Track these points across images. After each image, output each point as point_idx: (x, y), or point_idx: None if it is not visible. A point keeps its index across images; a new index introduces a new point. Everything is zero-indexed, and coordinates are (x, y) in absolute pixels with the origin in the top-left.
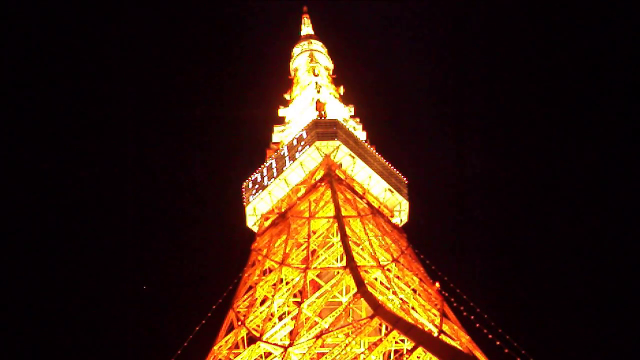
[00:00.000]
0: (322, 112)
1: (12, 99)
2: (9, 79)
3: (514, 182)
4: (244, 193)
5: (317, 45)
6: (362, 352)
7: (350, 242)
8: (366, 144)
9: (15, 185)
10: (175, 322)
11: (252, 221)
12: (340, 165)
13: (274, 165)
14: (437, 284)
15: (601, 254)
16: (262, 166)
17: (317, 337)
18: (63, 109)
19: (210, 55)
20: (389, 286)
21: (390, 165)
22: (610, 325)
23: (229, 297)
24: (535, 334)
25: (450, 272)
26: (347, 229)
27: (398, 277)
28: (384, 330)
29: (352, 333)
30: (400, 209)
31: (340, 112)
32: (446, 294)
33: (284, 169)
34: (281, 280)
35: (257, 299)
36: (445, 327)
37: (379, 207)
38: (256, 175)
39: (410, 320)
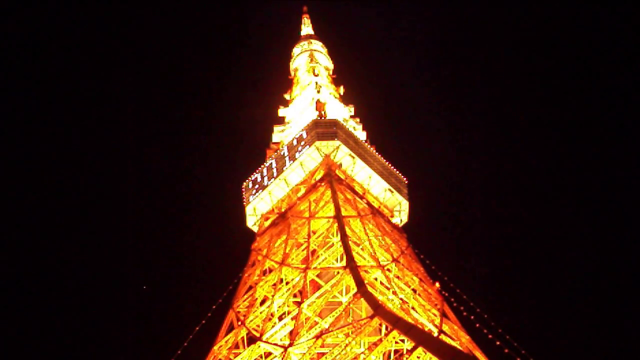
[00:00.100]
0: (322, 112)
1: (12, 99)
2: (8, 79)
3: (514, 182)
4: (244, 193)
5: (317, 45)
6: (362, 352)
7: (350, 242)
8: (366, 144)
9: (15, 185)
10: (175, 322)
11: (252, 221)
12: (340, 165)
13: (274, 165)
14: (437, 284)
15: (601, 254)
16: (262, 166)
17: (317, 337)
18: (63, 109)
19: (211, 55)
20: (389, 286)
21: (390, 165)
22: (610, 325)
23: (229, 297)
24: (535, 334)
25: (450, 272)
26: (347, 229)
27: (398, 277)
28: (384, 330)
29: (352, 333)
30: (400, 209)
31: (340, 112)
32: (446, 294)
33: (284, 169)
34: (281, 280)
35: (257, 299)
36: (445, 327)
37: (379, 207)
38: (256, 175)
39: (410, 320)
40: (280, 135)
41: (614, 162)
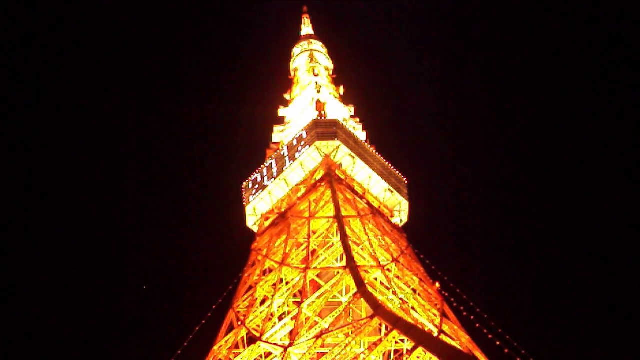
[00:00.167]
0: (322, 112)
1: (13, 98)
2: (9, 79)
3: (514, 182)
4: (244, 193)
5: (317, 45)
6: (362, 352)
7: (350, 242)
8: (366, 144)
9: (15, 185)
10: (175, 322)
11: (252, 221)
12: (340, 165)
13: (274, 165)
14: (437, 284)
15: (601, 253)
16: (262, 166)
17: (317, 337)
18: (64, 109)
19: (211, 55)
20: (389, 286)
21: (390, 165)
22: (610, 325)
23: (229, 297)
24: (535, 334)
25: (450, 272)
26: (347, 229)
27: (398, 277)
28: (384, 330)
29: (352, 333)
30: (400, 209)
31: (340, 112)
32: (446, 294)
33: (284, 169)
34: (281, 280)
35: (257, 299)
36: (445, 327)
37: (379, 207)
38: (256, 175)
39: (410, 320)
40: (280, 135)
41: (614, 162)
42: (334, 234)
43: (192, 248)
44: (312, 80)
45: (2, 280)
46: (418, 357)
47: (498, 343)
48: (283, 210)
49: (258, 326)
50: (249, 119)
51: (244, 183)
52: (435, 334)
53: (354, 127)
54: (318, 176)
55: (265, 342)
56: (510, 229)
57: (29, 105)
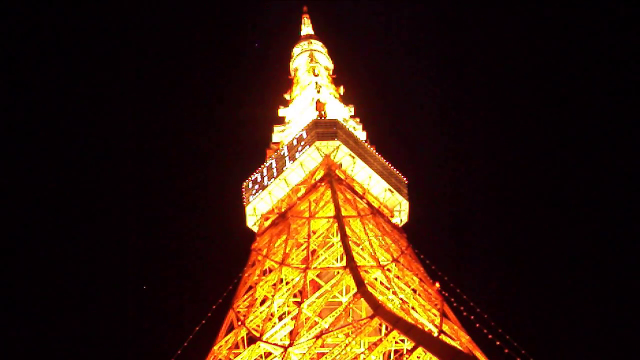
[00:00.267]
0: (322, 112)
1: (12, 98)
2: (8, 79)
3: (514, 182)
4: (244, 193)
5: (317, 45)
6: (362, 352)
7: (350, 242)
8: (366, 144)
9: (15, 185)
10: (175, 322)
11: (252, 221)
12: (340, 165)
13: (274, 165)
14: (437, 284)
15: (601, 253)
16: (262, 166)
17: (317, 337)
18: (64, 109)
19: (211, 55)
20: (389, 286)
21: (390, 165)
22: (610, 325)
23: (229, 297)
24: (535, 334)
25: (450, 272)
26: (347, 229)
27: (398, 277)
28: (384, 330)
29: (352, 333)
30: (400, 209)
31: (340, 112)
32: (446, 294)
33: (284, 169)
34: (281, 280)
35: (257, 299)
36: (445, 327)
37: (379, 207)
38: (256, 175)
39: (410, 320)
40: (280, 135)
41: (614, 162)
42: (334, 234)
43: (192, 248)
44: (312, 80)
45: (2, 280)
46: (418, 357)
47: (498, 343)
48: (283, 210)
49: (258, 326)
50: (249, 119)
51: (244, 183)
52: (435, 334)
53: (354, 127)
54: (318, 176)
55: (265, 342)
56: (510, 229)
57: (29, 105)
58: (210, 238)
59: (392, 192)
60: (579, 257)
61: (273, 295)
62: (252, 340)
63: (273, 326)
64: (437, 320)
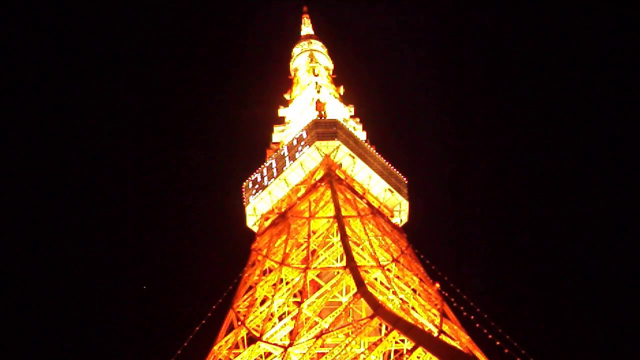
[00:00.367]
0: (322, 112)
1: (12, 98)
2: (8, 78)
3: (513, 182)
4: (244, 193)
5: (317, 45)
6: (362, 352)
7: (350, 242)
8: (366, 144)
9: (15, 185)
10: (175, 322)
11: (252, 221)
12: (340, 165)
13: (274, 165)
14: (437, 284)
15: (601, 253)
16: (262, 166)
17: (317, 337)
18: (64, 109)
19: (211, 55)
20: (389, 286)
21: (390, 165)
22: (610, 325)
23: (229, 297)
24: (535, 334)
25: (450, 272)
26: (347, 229)
27: (398, 277)
28: (384, 330)
29: (352, 333)
30: (400, 209)
31: (340, 112)
32: (446, 294)
33: (284, 169)
34: (281, 280)
35: (257, 299)
36: (445, 327)
37: (379, 207)
38: (256, 175)
39: (410, 320)
40: (280, 135)
41: (614, 162)
42: (334, 234)
43: (192, 248)
44: (312, 80)
45: (2, 280)
46: (418, 357)
47: (498, 343)
48: (283, 210)
49: (258, 326)
50: (249, 119)
51: (244, 183)
52: (435, 334)
53: (354, 127)
54: (318, 176)
55: (265, 342)
56: (510, 229)
57: (29, 106)
58: (210, 238)
59: (392, 192)
60: (579, 257)
61: (273, 295)
62: (252, 340)
63: (273, 326)
64: (437, 320)
